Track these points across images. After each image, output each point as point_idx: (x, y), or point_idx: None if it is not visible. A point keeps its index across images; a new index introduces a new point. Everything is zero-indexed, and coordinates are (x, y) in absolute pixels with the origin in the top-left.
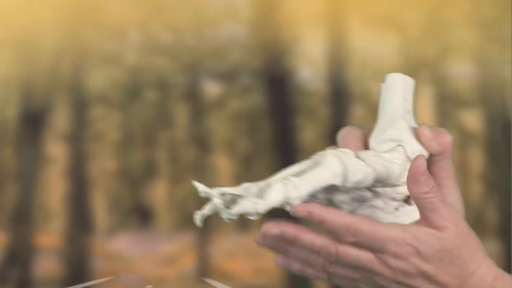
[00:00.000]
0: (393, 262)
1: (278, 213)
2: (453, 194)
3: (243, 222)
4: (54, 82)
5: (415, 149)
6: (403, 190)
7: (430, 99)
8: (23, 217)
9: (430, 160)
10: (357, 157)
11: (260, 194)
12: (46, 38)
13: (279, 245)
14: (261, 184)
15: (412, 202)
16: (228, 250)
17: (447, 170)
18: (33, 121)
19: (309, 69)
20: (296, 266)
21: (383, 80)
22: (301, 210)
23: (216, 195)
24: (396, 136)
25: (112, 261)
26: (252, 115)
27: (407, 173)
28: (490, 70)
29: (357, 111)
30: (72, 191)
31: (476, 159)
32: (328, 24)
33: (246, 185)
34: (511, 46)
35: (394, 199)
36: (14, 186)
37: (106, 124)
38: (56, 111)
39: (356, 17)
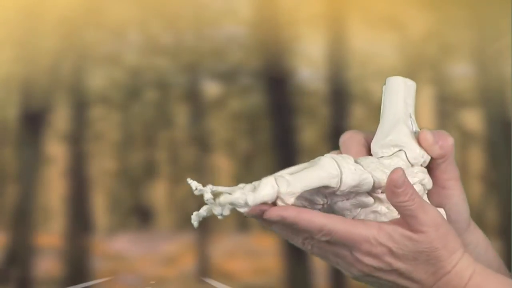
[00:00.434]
0: (366, 260)
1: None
2: (457, 196)
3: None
4: (54, 82)
5: (417, 153)
6: None
7: (430, 99)
8: (23, 217)
9: (433, 163)
10: (356, 162)
11: (254, 190)
12: (46, 38)
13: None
14: (255, 183)
15: None
16: (228, 250)
17: (449, 171)
18: (33, 121)
19: (309, 69)
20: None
21: (383, 80)
22: (274, 215)
23: (208, 192)
24: (397, 141)
25: (112, 261)
26: (252, 115)
27: (409, 178)
28: (490, 70)
29: (357, 111)
30: (72, 191)
31: (476, 159)
32: (328, 24)
33: (241, 185)
34: (511, 46)
35: None
36: (14, 186)
37: (106, 124)
38: (56, 111)
39: (356, 17)
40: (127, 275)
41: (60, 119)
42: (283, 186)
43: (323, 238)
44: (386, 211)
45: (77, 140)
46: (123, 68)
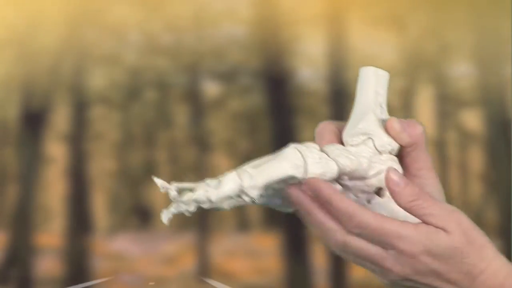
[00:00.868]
0: (403, 259)
1: (279, 213)
2: (430, 185)
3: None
4: (54, 82)
5: (384, 141)
6: (374, 182)
7: (430, 99)
8: (23, 217)
9: (403, 152)
10: (321, 150)
11: (218, 186)
12: (46, 38)
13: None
14: (221, 177)
15: (385, 193)
16: (228, 250)
17: (421, 161)
18: (33, 121)
19: (309, 69)
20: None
21: None
22: (312, 183)
23: (173, 189)
24: (366, 130)
25: (112, 261)
26: (252, 115)
27: (377, 165)
28: (490, 70)
29: None
30: (72, 191)
31: (476, 159)
32: (328, 24)
33: (208, 180)
34: (511, 46)
35: (364, 191)
36: (14, 186)
37: (106, 124)
38: (56, 111)
39: (356, 17)
40: (127, 275)
41: (60, 119)
42: (246, 180)
43: (355, 230)
44: (355, 198)
45: (77, 140)
46: (123, 68)
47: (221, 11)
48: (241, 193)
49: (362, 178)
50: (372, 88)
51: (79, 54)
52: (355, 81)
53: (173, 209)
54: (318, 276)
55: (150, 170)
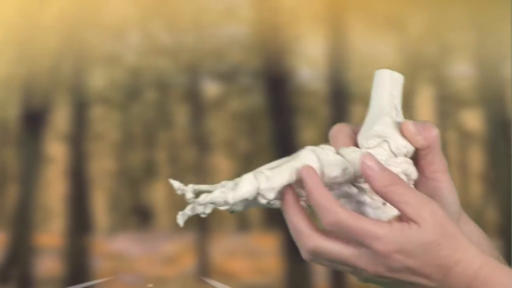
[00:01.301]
0: (377, 258)
1: (279, 213)
2: (445, 188)
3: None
4: (55, 82)
5: (400, 144)
6: None
7: (430, 99)
8: (23, 217)
9: (418, 155)
10: (337, 153)
11: (234, 188)
12: (46, 38)
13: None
14: (237, 179)
15: None
16: (228, 250)
17: (437, 163)
18: (33, 121)
19: (309, 69)
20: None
21: None
22: (304, 170)
23: (190, 191)
24: (381, 132)
25: (112, 261)
26: (252, 115)
27: (392, 168)
28: (489, 70)
29: (357, 111)
30: (72, 191)
31: (476, 159)
32: (328, 24)
33: (223, 182)
34: (511, 46)
35: None
36: (14, 186)
37: (106, 124)
38: (56, 111)
39: (356, 18)
40: (127, 275)
41: (60, 119)
42: (263, 182)
43: (330, 227)
44: (370, 201)
45: (77, 140)
46: (123, 68)
47: (221, 11)
48: (257, 195)
49: None
50: (387, 91)
51: (79, 54)
52: (355, 81)
53: (189, 211)
54: (318, 276)
55: (150, 170)
